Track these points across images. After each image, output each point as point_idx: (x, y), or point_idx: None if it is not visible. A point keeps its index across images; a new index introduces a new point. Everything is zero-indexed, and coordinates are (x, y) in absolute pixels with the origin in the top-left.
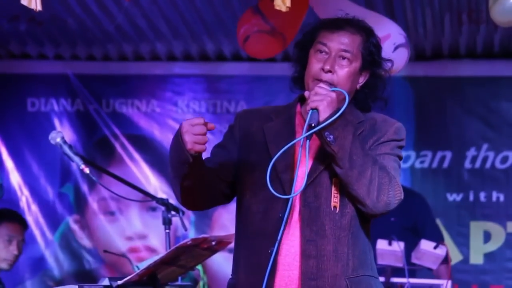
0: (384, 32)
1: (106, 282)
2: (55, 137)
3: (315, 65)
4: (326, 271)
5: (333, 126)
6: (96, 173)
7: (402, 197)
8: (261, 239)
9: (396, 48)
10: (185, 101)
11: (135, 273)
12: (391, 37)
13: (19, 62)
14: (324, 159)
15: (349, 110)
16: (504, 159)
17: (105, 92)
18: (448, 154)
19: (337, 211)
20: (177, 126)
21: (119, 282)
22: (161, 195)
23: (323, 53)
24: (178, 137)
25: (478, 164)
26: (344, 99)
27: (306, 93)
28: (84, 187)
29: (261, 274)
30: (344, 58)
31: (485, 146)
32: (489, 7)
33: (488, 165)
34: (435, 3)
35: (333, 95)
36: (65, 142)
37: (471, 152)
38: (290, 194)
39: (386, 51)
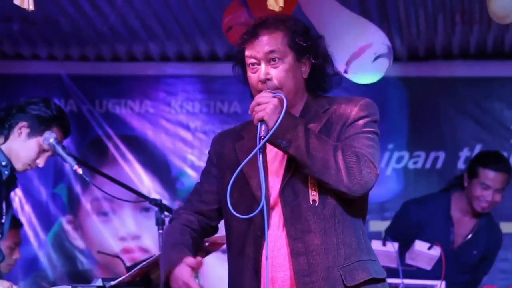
0: (365, 42)
1: (99, 282)
2: (48, 138)
3: (252, 79)
4: (317, 266)
5: (284, 130)
6: (89, 174)
7: (378, 172)
8: (249, 248)
9: (376, 58)
10: (179, 101)
11: (128, 274)
12: (373, 46)
13: (12, 63)
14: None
15: (314, 100)
16: None
17: (98, 93)
18: (442, 155)
19: (317, 204)
20: (170, 127)
21: (112, 283)
22: (154, 195)
23: (254, 65)
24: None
25: None
26: (288, 99)
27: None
28: (77, 188)
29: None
30: (274, 59)
31: (478, 147)
32: (487, 2)
33: None
34: (428, 3)
35: (275, 101)
36: (58, 142)
37: (464, 152)
38: (264, 208)
39: (366, 61)
